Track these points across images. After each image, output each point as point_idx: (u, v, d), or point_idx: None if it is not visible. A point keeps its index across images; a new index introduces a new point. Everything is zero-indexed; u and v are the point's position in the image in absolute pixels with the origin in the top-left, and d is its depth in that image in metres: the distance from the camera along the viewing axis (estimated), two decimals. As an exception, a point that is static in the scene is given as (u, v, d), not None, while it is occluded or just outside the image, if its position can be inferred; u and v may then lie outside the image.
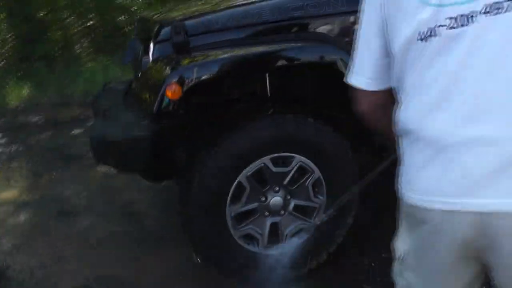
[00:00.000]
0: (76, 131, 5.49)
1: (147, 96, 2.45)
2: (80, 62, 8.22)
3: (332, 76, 2.59)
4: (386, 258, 2.83)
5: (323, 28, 2.56)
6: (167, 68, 2.37)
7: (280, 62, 2.52)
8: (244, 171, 2.48)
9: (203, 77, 2.32)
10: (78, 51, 8.54)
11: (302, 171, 2.64)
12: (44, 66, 7.62)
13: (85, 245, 3.19)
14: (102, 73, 7.77)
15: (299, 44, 2.56)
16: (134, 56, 3.22)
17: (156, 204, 3.68)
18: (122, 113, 2.79)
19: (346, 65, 2.49)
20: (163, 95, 2.27)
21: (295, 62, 2.53)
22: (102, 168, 4.39)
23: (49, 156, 4.77)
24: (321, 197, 2.70)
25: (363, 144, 2.86)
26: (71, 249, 3.15)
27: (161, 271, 2.89)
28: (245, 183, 2.51)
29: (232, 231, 2.56)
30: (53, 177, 4.27)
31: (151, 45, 2.63)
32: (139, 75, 2.75)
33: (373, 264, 2.84)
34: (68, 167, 4.47)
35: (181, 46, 2.40)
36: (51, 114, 6.13)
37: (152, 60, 2.53)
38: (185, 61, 2.38)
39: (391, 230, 3.16)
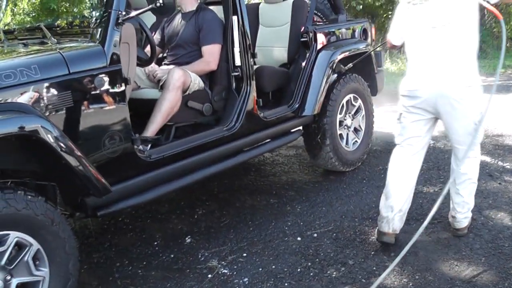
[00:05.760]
0: None
1: None
2: None
3: (36, 144, 2.51)
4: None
5: (21, 98, 2.48)
6: None
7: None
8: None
9: None
10: None
11: (21, 246, 2.51)
12: None
13: None
14: None
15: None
16: None
17: None
18: None
19: (49, 132, 2.44)
20: None
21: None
22: None
23: None
24: (43, 269, 2.61)
25: (76, 209, 2.88)
26: None
27: None
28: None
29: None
30: None
31: None
32: None
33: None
34: None
35: None
36: None
37: None
38: None
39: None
